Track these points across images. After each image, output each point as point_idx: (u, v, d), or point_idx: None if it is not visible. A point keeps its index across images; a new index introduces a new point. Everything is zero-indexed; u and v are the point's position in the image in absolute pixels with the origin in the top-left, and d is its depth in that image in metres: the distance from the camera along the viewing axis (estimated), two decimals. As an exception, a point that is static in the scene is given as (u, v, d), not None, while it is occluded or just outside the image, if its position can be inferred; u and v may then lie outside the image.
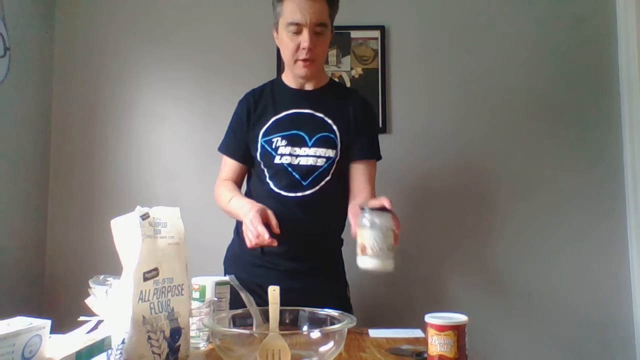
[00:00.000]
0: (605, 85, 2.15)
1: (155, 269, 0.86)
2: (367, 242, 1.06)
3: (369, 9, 2.16)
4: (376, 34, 2.14)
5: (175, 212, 0.93)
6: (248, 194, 1.53)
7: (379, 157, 1.54)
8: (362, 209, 1.11)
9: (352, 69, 2.13)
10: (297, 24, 1.36)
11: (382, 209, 1.09)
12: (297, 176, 1.43)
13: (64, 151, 2.13)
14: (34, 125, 2.05)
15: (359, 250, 1.08)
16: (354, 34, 2.14)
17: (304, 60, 1.39)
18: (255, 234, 1.23)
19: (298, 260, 1.45)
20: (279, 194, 1.43)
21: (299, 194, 1.42)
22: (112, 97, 2.14)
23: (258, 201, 1.45)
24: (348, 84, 2.10)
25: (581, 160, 2.12)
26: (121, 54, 2.16)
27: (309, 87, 1.50)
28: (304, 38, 1.36)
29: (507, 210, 2.11)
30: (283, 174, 1.43)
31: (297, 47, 1.38)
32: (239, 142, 1.51)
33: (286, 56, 1.44)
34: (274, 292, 0.95)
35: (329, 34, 1.43)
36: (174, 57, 2.16)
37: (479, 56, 2.16)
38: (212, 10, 2.17)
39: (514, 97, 2.14)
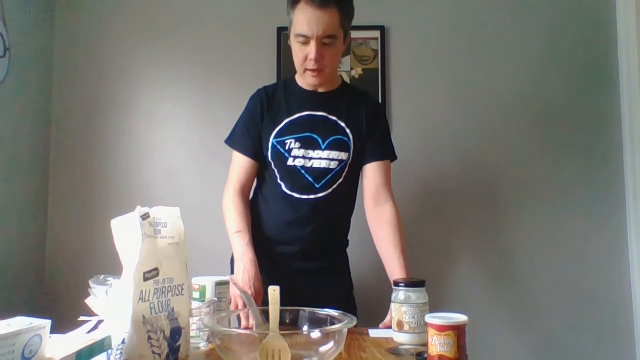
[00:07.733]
0: (605, 86, 2.15)
1: (155, 269, 0.86)
2: (403, 318, 1.09)
3: (369, 9, 2.15)
4: (376, 34, 2.15)
5: (175, 212, 0.93)
6: (257, 195, 1.53)
7: (393, 157, 1.54)
8: (397, 284, 1.14)
9: (352, 69, 2.13)
10: (304, 36, 1.34)
11: (417, 284, 1.13)
12: (310, 179, 1.43)
13: (64, 151, 2.13)
14: (33, 125, 2.04)
15: (394, 326, 1.11)
16: (354, 34, 2.10)
17: (312, 70, 1.39)
18: (234, 303, 1.27)
19: (309, 260, 1.46)
20: (292, 195, 1.43)
21: (312, 197, 1.43)
22: (112, 97, 2.14)
23: (269, 202, 1.47)
24: (348, 84, 2.10)
25: (581, 162, 2.12)
26: (121, 54, 2.16)
27: (321, 89, 1.49)
28: (311, 50, 1.35)
29: (507, 211, 2.11)
30: (296, 176, 1.43)
31: (305, 57, 1.37)
32: (253, 139, 1.47)
33: (296, 64, 1.43)
34: (274, 292, 0.95)
35: (340, 43, 1.40)
36: (174, 57, 2.16)
37: (478, 56, 2.16)
38: (212, 10, 2.17)
39: (513, 97, 2.14)
